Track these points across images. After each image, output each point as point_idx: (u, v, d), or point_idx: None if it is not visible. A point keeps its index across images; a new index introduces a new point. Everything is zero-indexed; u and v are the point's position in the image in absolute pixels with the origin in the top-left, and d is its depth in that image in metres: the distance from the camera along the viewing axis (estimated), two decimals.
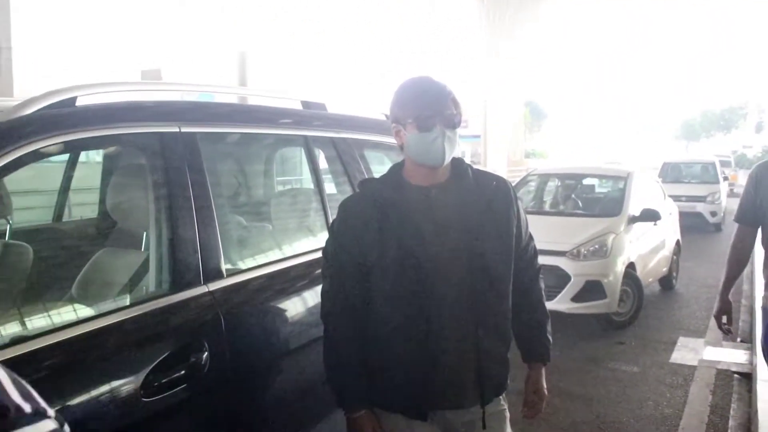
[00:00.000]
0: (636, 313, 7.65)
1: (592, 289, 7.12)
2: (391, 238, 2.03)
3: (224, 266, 2.34)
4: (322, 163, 3.14)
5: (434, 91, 2.04)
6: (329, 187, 3.09)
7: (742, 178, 34.15)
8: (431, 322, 2.02)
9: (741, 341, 7.06)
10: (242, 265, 2.62)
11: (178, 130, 2.32)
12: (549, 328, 2.33)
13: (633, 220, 7.93)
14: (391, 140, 3.62)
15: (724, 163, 23.26)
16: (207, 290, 2.24)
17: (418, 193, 2.10)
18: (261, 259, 2.81)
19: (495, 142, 33.67)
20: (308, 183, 3.05)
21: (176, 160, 2.26)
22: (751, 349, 6.52)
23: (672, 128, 56.45)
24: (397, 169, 2.19)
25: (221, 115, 2.63)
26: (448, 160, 2.07)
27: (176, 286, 2.17)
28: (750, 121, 53.36)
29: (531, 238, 2.34)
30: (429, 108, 2.01)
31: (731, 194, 20.37)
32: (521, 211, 2.24)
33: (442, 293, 2.03)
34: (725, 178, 18.81)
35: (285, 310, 2.56)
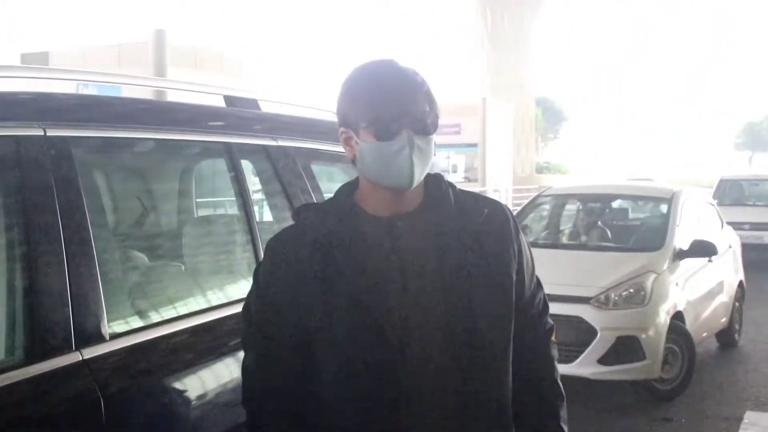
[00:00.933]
0: (686, 379, 7.60)
1: (626, 348, 7.06)
2: (341, 292, 1.91)
3: (107, 324, 2.24)
4: (253, 181, 3.06)
5: (399, 82, 1.91)
6: (262, 213, 3.00)
7: None
8: (399, 412, 1.90)
9: None
10: (135, 323, 2.52)
11: (42, 133, 2.22)
12: (564, 414, 2.20)
13: (680, 255, 7.92)
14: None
15: None
16: (80, 359, 2.13)
17: (377, 226, 1.98)
18: (164, 313, 2.71)
19: (497, 153, 33.71)
20: (233, 206, 2.95)
21: (38, 176, 2.16)
22: None
23: (731, 134, 57.26)
24: (347, 193, 2.07)
25: (109, 113, 2.53)
26: (418, 179, 1.94)
27: (33, 353, 2.06)
28: None
29: (539, 285, 2.23)
30: (391, 106, 1.88)
31: None
32: (524, 249, 2.13)
33: (413, 370, 1.91)
34: None
35: (199, 388, 2.46)
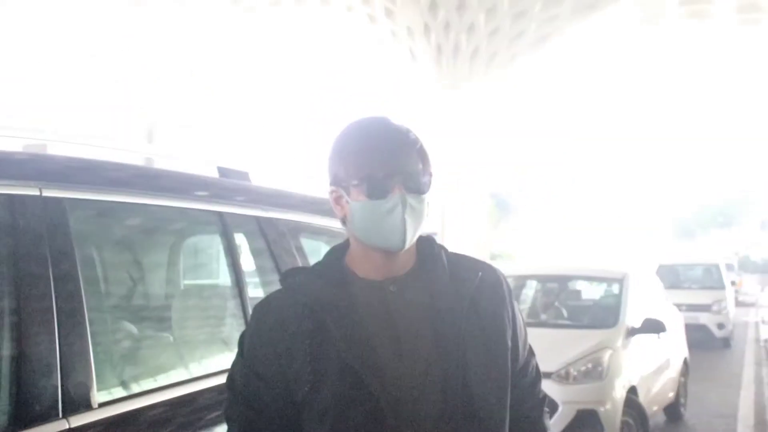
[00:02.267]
0: None
1: (585, 421, 6.85)
2: (331, 360, 1.68)
3: (96, 393, 1.99)
4: (244, 253, 2.84)
5: (391, 139, 1.72)
6: (252, 286, 2.78)
7: (747, 284, 34.98)
8: None
9: None
10: (124, 391, 2.28)
11: (38, 193, 2.02)
12: None
13: (632, 332, 7.78)
14: (338, 225, 3.42)
15: (727, 266, 23.82)
16: (67, 427, 1.90)
17: (370, 291, 1.76)
18: (155, 382, 2.46)
19: (456, 241, 33.79)
20: (223, 277, 2.73)
21: (31, 237, 1.95)
22: None
23: (663, 226, 58.00)
24: (337, 255, 1.85)
25: (106, 177, 2.33)
26: (411, 240, 1.73)
27: (19, 420, 1.83)
28: (754, 216, 55.28)
29: (531, 352, 2.01)
30: (383, 163, 1.69)
31: (738, 303, 20.65)
32: (517, 314, 1.92)
33: None
34: (732, 283, 19.11)
35: None
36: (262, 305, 1.81)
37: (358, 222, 1.73)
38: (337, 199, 1.76)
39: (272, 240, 2.87)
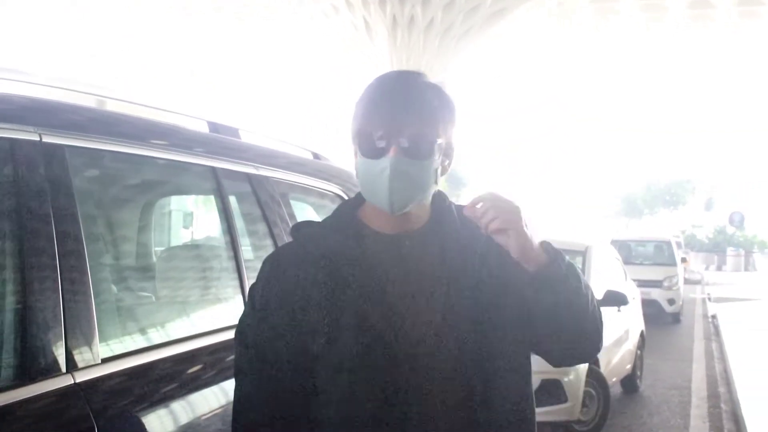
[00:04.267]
0: (601, 421, 7.49)
1: (549, 391, 6.90)
2: (348, 313, 1.65)
3: (99, 348, 1.93)
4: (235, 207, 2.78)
5: (403, 98, 1.67)
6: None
7: (693, 262, 35.74)
8: None
9: None
10: (127, 346, 2.22)
11: (38, 138, 1.93)
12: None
13: None
14: (325, 186, 3.37)
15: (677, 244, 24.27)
16: (72, 382, 1.83)
17: (385, 244, 1.74)
18: (157, 337, 2.40)
19: None
20: (216, 235, 2.66)
21: (33, 183, 1.85)
22: None
23: (612, 204, 58.93)
24: (350, 209, 1.82)
25: (106, 123, 2.23)
26: (403, 206, 1.68)
27: (24, 374, 1.76)
28: (699, 197, 56.54)
29: None
30: (383, 123, 1.65)
31: (685, 281, 21.04)
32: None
33: (422, 393, 1.66)
34: (683, 260, 19.46)
35: (191, 414, 2.16)
36: (274, 257, 1.79)
37: (359, 178, 1.73)
38: (354, 152, 1.75)
39: (263, 196, 2.82)
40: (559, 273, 1.68)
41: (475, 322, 1.69)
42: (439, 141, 1.70)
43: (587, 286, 1.76)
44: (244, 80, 39.69)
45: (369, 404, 1.64)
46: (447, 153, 1.76)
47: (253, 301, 1.76)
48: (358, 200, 1.82)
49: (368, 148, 1.66)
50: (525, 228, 1.66)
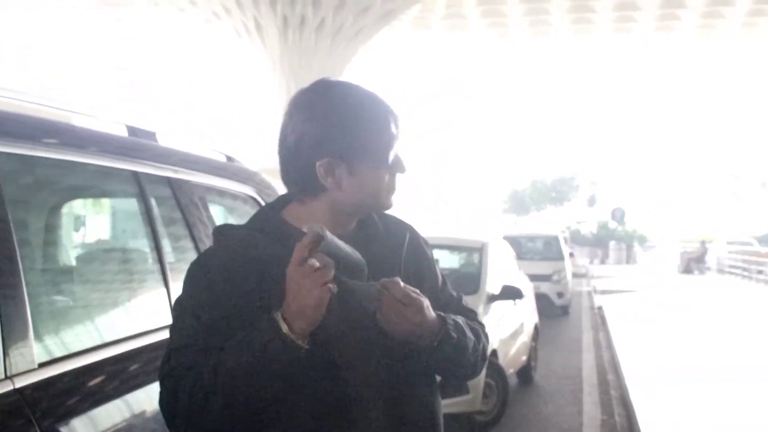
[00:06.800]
0: (501, 411, 7.71)
1: (451, 383, 7.05)
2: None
3: (36, 353, 1.92)
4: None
5: (380, 108, 1.80)
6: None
7: (578, 256, 36.94)
8: (346, 414, 1.69)
9: None
10: (62, 350, 2.19)
11: None
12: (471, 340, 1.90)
13: (492, 298, 8.07)
14: (240, 188, 3.40)
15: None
16: (12, 388, 1.81)
17: None
18: (91, 341, 2.38)
19: None
20: (139, 240, 2.67)
21: None
22: None
23: (500, 201, 60.17)
24: (273, 211, 1.83)
25: (24, 128, 2.21)
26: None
27: None
28: (582, 194, 58.37)
29: (455, 296, 2.04)
30: (394, 136, 1.79)
31: (573, 275, 21.76)
32: (438, 272, 2.00)
33: (357, 403, 1.70)
34: (570, 255, 20.10)
35: (131, 415, 2.16)
36: (200, 264, 1.76)
37: (358, 191, 1.75)
38: (329, 170, 1.72)
39: (183, 199, 2.83)
40: (449, 347, 1.78)
41: None
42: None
43: (478, 337, 1.89)
44: (142, 84, 38.88)
45: (305, 408, 1.65)
46: None
47: (181, 306, 1.72)
48: (281, 203, 1.83)
49: (392, 162, 1.79)
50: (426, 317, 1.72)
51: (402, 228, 1.94)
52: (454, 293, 2.04)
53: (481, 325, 1.99)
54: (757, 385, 8.90)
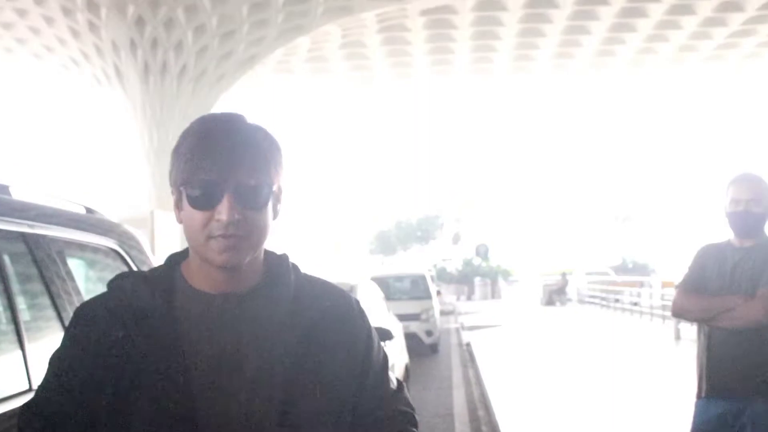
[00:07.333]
0: None
1: None
2: (149, 371, 1.54)
3: None
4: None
5: (231, 141, 1.55)
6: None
7: (445, 293, 37.62)
8: None
9: None
10: None
11: None
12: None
13: None
14: (101, 241, 3.27)
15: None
16: None
17: (200, 304, 1.60)
18: None
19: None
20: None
21: None
22: None
23: (366, 242, 60.67)
24: (172, 263, 1.69)
25: None
26: (238, 261, 1.57)
27: None
28: (447, 232, 59.59)
29: (393, 390, 1.79)
30: (211, 169, 1.53)
31: (441, 312, 22.08)
32: (374, 349, 1.73)
33: None
34: (438, 293, 20.40)
35: None
36: (84, 308, 1.66)
37: (185, 230, 1.59)
38: (176, 202, 1.61)
39: (39, 255, 2.71)
40: None
41: (279, 393, 1.58)
42: (274, 187, 1.61)
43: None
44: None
45: None
46: (279, 198, 1.66)
47: (54, 367, 1.62)
48: (184, 254, 1.69)
49: (197, 197, 1.54)
50: None
51: (322, 297, 1.69)
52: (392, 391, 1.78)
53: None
54: (621, 408, 9.24)
